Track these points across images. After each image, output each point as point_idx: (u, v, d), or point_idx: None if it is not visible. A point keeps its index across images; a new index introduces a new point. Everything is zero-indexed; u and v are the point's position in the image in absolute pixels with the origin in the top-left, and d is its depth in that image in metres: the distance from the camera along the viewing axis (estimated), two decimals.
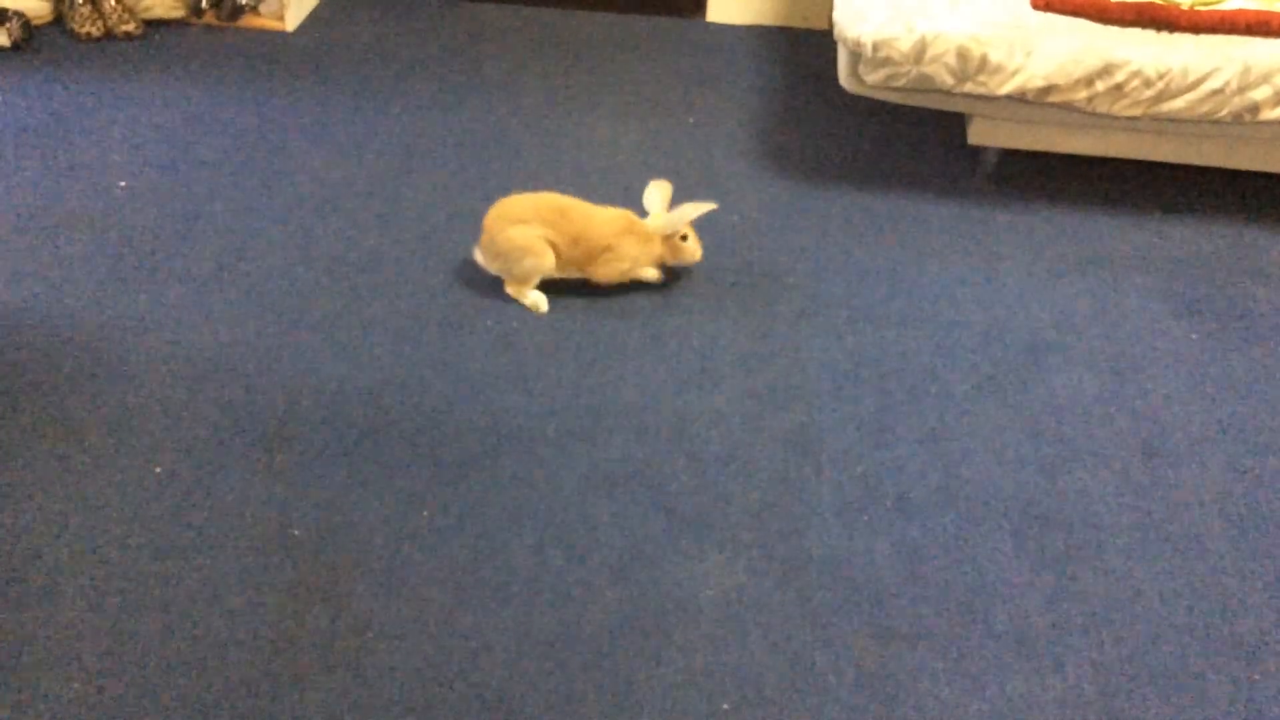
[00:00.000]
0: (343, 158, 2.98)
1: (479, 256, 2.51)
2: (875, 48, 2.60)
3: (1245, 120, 2.58)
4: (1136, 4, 2.60)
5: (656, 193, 2.54)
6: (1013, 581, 1.93)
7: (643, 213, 2.52)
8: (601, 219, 2.47)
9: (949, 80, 2.62)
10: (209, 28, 3.59)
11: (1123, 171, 3.03)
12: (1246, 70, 2.50)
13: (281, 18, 3.59)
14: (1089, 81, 2.57)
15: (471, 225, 2.73)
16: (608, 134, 3.13)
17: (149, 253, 2.61)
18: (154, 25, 3.56)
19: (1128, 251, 2.73)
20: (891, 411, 2.26)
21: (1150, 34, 2.59)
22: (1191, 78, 2.53)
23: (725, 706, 1.72)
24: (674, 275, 2.59)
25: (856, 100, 3.25)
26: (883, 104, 3.20)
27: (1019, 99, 2.64)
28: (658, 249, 2.50)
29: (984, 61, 2.57)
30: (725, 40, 3.66)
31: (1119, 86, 2.56)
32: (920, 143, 3.13)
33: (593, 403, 2.25)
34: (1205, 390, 2.33)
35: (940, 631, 1.84)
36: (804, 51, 3.61)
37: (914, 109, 3.18)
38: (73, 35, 3.45)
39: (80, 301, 2.45)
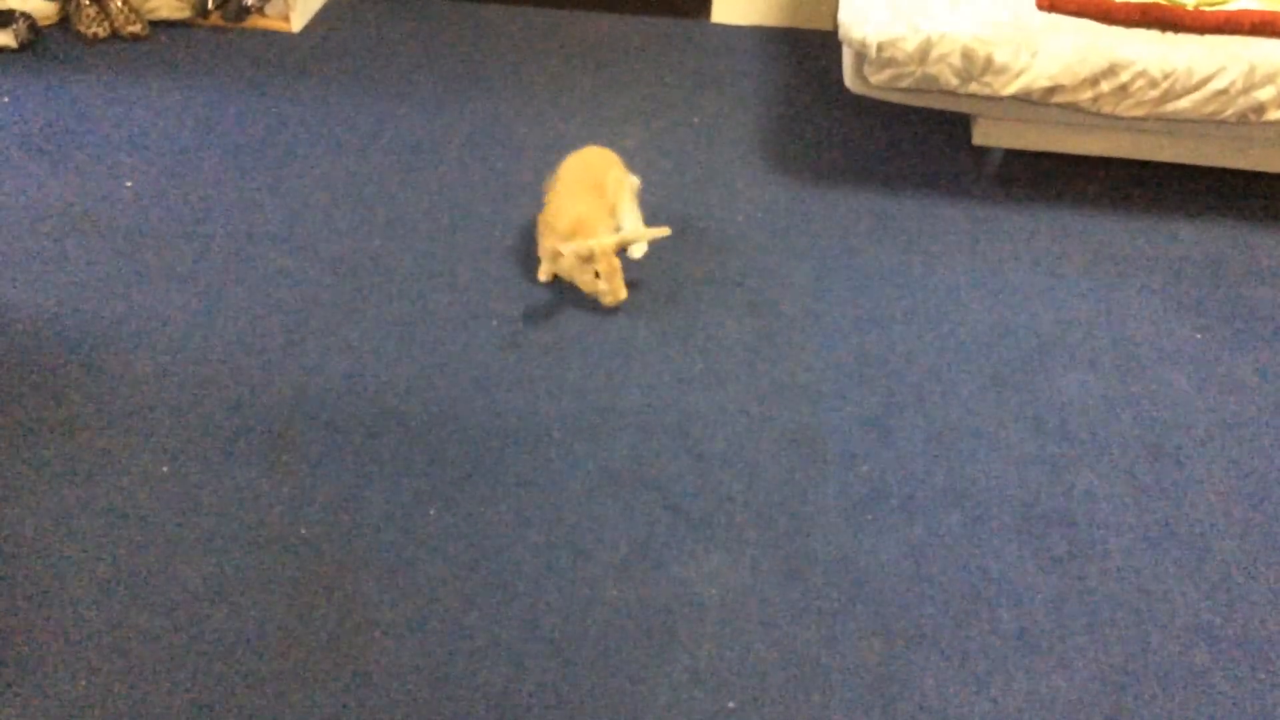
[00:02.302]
0: (348, 158, 2.99)
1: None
2: (880, 48, 2.60)
3: (1250, 121, 2.58)
4: (1141, 4, 2.60)
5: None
6: (1018, 581, 1.93)
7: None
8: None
9: (954, 81, 2.62)
10: (215, 29, 3.60)
11: (1128, 172, 3.03)
12: (1251, 70, 2.50)
13: (287, 19, 3.60)
14: (1094, 82, 2.57)
15: (475, 224, 2.74)
16: (612, 134, 3.13)
17: (155, 253, 2.62)
18: (160, 26, 3.57)
19: (1132, 252, 2.73)
20: (896, 411, 2.26)
21: (1155, 34, 2.59)
22: (1196, 78, 2.53)
23: (730, 705, 1.73)
24: (675, 277, 2.59)
25: (861, 101, 3.25)
26: (887, 104, 3.20)
27: (1024, 99, 2.64)
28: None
29: (989, 62, 2.57)
30: (730, 41, 3.67)
31: (1124, 87, 2.56)
32: (925, 143, 3.14)
33: (598, 402, 2.25)
34: (1210, 390, 2.33)
35: (945, 631, 1.84)
36: (809, 52, 3.61)
37: (919, 109, 3.18)
38: (79, 36, 3.46)
39: (87, 301, 2.46)
